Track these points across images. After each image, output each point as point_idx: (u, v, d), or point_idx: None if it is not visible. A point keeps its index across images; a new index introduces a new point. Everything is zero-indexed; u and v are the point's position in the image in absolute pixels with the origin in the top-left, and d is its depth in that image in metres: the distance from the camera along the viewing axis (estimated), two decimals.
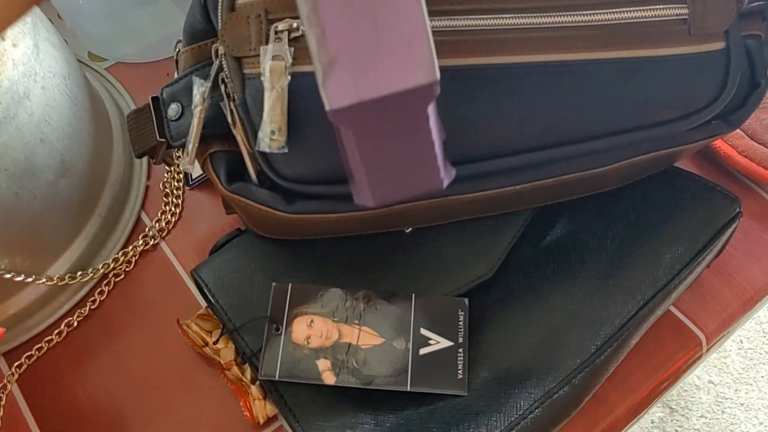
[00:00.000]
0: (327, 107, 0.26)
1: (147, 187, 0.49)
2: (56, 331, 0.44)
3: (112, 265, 0.45)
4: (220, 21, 0.33)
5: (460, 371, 0.37)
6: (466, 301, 0.39)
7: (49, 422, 0.41)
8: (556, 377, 0.36)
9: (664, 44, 0.33)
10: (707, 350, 0.43)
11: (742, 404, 1.18)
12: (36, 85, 0.38)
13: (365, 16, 0.25)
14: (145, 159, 0.50)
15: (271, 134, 0.32)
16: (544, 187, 0.36)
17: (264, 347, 0.38)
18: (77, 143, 0.42)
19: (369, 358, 0.37)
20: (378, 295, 0.39)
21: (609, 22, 0.33)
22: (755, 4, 0.36)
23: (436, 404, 0.37)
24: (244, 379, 0.40)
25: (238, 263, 0.40)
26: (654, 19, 0.33)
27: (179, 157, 0.40)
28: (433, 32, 0.31)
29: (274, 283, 0.39)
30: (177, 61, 0.37)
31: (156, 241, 0.47)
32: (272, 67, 0.32)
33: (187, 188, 0.49)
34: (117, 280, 0.46)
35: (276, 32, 0.32)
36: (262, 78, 0.32)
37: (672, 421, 1.16)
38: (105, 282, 0.45)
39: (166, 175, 0.49)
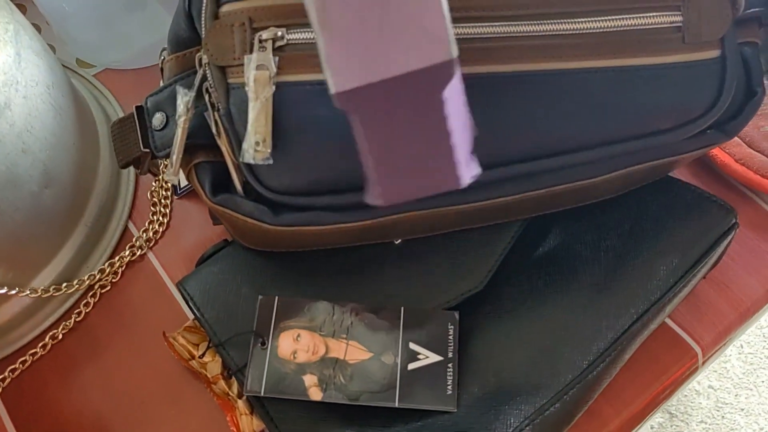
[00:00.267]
0: (332, 90, 0.24)
1: (135, 196, 0.48)
2: (41, 344, 0.43)
3: (98, 277, 0.44)
4: (203, 29, 0.32)
5: (449, 387, 0.36)
6: (457, 314, 0.38)
7: None
8: (548, 393, 0.35)
9: (658, 52, 0.33)
10: (703, 363, 0.42)
11: (743, 409, 1.17)
12: (17, 94, 0.38)
13: None
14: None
15: (255, 145, 0.32)
16: (534, 198, 0.36)
17: (249, 362, 0.37)
18: (61, 153, 0.41)
19: (356, 373, 0.37)
20: (366, 309, 0.38)
21: (600, 30, 0.32)
22: (751, 10, 0.35)
23: (424, 421, 0.36)
24: (230, 393, 0.39)
25: (225, 276, 0.40)
26: (647, 26, 0.32)
27: (166, 167, 0.40)
28: None
29: (260, 296, 0.38)
30: (162, 69, 0.37)
31: (143, 252, 0.46)
32: (256, 77, 0.31)
33: (176, 197, 0.48)
34: (103, 291, 0.45)
35: (260, 41, 0.31)
36: (246, 88, 0.31)
37: (672, 426, 1.16)
38: (91, 294, 0.45)
39: (154, 184, 0.48)
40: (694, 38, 0.33)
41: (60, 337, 0.44)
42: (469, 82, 0.31)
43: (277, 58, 0.31)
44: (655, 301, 0.37)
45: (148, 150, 0.36)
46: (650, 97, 0.33)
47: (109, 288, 0.45)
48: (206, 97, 0.33)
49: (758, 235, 0.45)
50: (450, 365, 0.37)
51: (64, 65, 0.55)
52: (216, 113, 0.33)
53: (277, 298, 0.38)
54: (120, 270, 0.45)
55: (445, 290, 0.39)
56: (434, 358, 0.37)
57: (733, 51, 0.34)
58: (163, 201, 0.48)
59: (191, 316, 0.43)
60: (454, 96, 0.25)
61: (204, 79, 0.33)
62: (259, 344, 0.37)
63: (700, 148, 0.36)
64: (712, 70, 0.34)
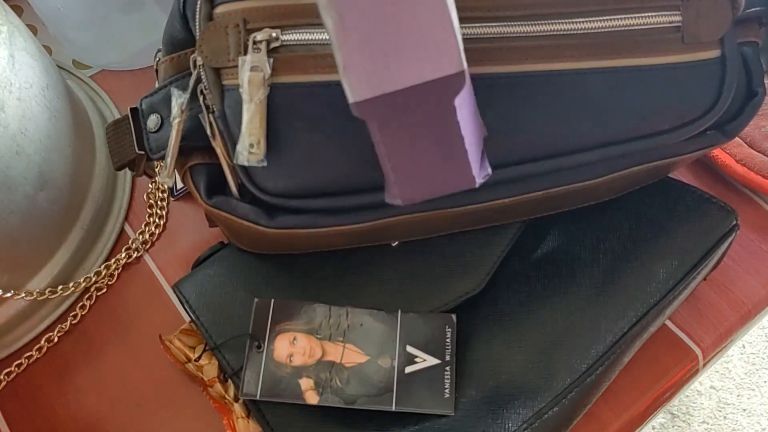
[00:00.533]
0: (349, 100, 0.25)
1: (131, 199, 0.48)
2: (36, 347, 0.43)
3: (93, 279, 0.44)
4: (198, 30, 0.32)
5: (447, 390, 0.36)
6: (454, 317, 0.38)
7: None
8: (546, 397, 0.35)
9: (656, 53, 0.32)
10: (704, 365, 0.42)
11: (745, 410, 1.16)
12: (11, 96, 0.37)
13: (386, 4, 0.24)
14: None
15: (249, 147, 0.31)
16: (533, 200, 0.35)
17: (245, 365, 0.37)
18: (57, 155, 0.41)
19: (353, 376, 0.36)
20: (363, 312, 0.38)
21: (598, 31, 0.32)
22: (752, 10, 0.35)
23: (422, 424, 0.36)
24: (227, 396, 0.39)
25: (220, 278, 0.39)
26: (646, 26, 0.32)
27: (161, 168, 0.39)
28: None
29: (256, 299, 0.38)
30: (157, 71, 0.37)
31: (139, 254, 0.46)
32: (251, 79, 0.31)
33: (172, 199, 0.48)
34: (99, 294, 0.45)
35: (254, 42, 0.31)
36: (241, 90, 0.31)
37: (673, 426, 1.15)
38: (87, 296, 0.44)
39: (150, 186, 0.48)
40: (693, 38, 0.33)
41: (56, 339, 0.43)
42: None
43: (271, 60, 0.31)
44: (654, 303, 0.37)
45: (143, 152, 0.36)
46: (649, 97, 0.33)
47: (105, 290, 0.45)
48: (201, 99, 0.33)
49: (759, 236, 0.44)
50: (447, 368, 0.37)
51: (60, 66, 0.55)
52: (211, 115, 0.33)
53: (273, 300, 0.38)
54: (116, 272, 0.45)
55: (443, 293, 0.38)
56: (432, 361, 0.37)
57: (733, 51, 0.34)
58: (159, 203, 0.47)
59: (187, 319, 0.43)
60: (466, 102, 0.26)
61: (198, 80, 0.33)
62: (255, 347, 0.37)
63: (700, 149, 0.36)
64: (712, 70, 0.34)
